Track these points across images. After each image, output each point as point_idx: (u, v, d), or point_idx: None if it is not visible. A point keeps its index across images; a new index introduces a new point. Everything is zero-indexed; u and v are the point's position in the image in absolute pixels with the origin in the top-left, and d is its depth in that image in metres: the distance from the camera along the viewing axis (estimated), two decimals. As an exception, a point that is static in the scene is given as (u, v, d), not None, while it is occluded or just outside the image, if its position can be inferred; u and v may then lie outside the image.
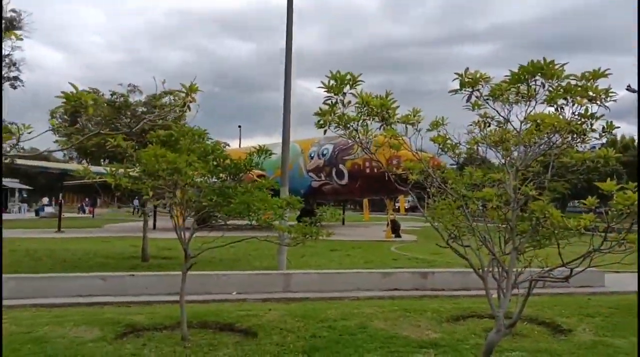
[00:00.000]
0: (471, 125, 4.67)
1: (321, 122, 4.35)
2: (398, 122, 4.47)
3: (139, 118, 16.05)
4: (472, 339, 7.35)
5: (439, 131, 4.67)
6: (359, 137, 4.46)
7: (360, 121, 4.37)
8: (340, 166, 31.25)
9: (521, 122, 4.19)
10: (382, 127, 4.61)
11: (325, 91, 4.21)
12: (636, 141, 55.73)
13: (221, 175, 7.27)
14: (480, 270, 4.76)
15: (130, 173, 6.53)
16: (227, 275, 11.10)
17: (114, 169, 6.40)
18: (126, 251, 18.35)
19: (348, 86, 4.15)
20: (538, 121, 3.92)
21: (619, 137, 51.34)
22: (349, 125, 4.35)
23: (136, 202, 39.33)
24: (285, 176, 13.88)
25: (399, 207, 37.52)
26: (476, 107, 4.64)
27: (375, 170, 29.33)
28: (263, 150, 7.15)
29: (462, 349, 6.84)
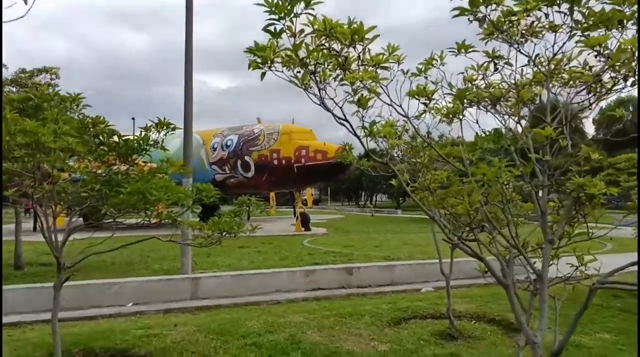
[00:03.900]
0: (466, 72, 3.38)
1: (258, 60, 2.87)
2: (369, 65, 3.10)
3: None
4: (425, 347, 6.22)
5: (427, 76, 3.36)
6: (316, 82, 3.01)
7: (320, 59, 2.93)
8: (246, 158, 29.45)
9: (549, 61, 2.98)
10: (340, 76, 3.21)
11: (266, 12, 2.73)
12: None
13: (107, 157, 5.49)
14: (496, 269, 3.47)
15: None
16: (119, 283, 9.17)
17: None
18: (-5, 258, 15.43)
19: (302, 3, 2.71)
20: (602, 50, 2.71)
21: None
22: (308, 62, 2.88)
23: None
24: (190, 165, 12.07)
25: (306, 200, 36.50)
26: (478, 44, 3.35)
27: (284, 161, 27.99)
28: (163, 124, 5.48)
29: (419, 364, 5.67)
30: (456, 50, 3.39)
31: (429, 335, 6.76)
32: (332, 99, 3.08)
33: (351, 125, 3.17)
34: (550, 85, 3.13)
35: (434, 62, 3.34)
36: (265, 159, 28.66)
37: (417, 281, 11.16)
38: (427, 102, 3.44)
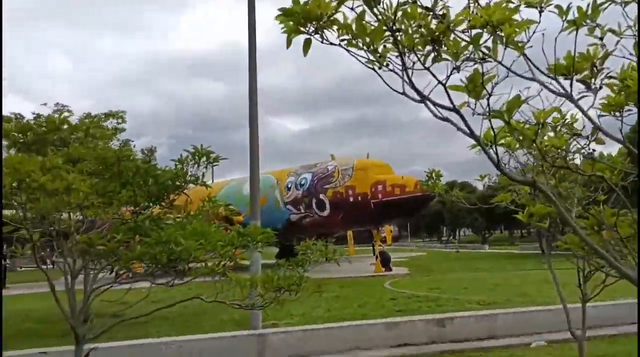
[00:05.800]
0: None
1: (295, 22, 1.66)
2: (477, 23, 1.80)
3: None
4: None
5: (598, 25, 1.94)
6: (400, 52, 1.75)
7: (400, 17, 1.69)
8: (321, 196, 28.41)
9: None
10: (434, 52, 1.93)
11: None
12: None
13: (136, 198, 4.47)
14: None
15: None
16: (176, 342, 8.13)
17: None
18: None
19: None
20: None
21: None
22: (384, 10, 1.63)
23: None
24: (256, 206, 11.05)
25: (385, 237, 34.74)
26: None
27: (360, 198, 26.68)
28: (202, 154, 4.38)
29: None
30: None
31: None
32: (429, 71, 1.78)
33: (463, 118, 1.85)
34: None
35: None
36: (341, 196, 27.49)
37: (525, 333, 9.32)
38: (590, 80, 2.02)
